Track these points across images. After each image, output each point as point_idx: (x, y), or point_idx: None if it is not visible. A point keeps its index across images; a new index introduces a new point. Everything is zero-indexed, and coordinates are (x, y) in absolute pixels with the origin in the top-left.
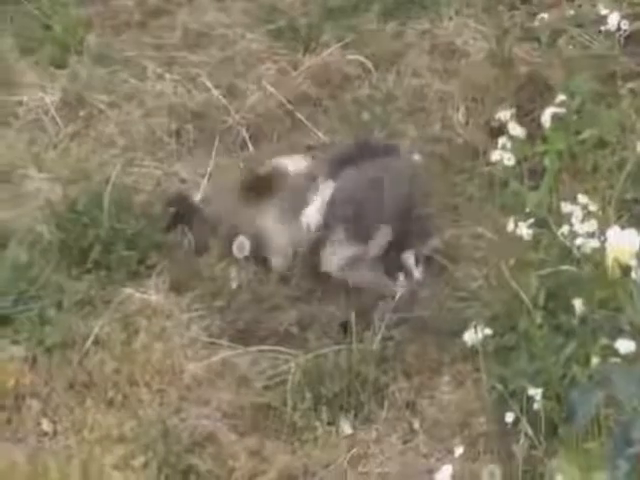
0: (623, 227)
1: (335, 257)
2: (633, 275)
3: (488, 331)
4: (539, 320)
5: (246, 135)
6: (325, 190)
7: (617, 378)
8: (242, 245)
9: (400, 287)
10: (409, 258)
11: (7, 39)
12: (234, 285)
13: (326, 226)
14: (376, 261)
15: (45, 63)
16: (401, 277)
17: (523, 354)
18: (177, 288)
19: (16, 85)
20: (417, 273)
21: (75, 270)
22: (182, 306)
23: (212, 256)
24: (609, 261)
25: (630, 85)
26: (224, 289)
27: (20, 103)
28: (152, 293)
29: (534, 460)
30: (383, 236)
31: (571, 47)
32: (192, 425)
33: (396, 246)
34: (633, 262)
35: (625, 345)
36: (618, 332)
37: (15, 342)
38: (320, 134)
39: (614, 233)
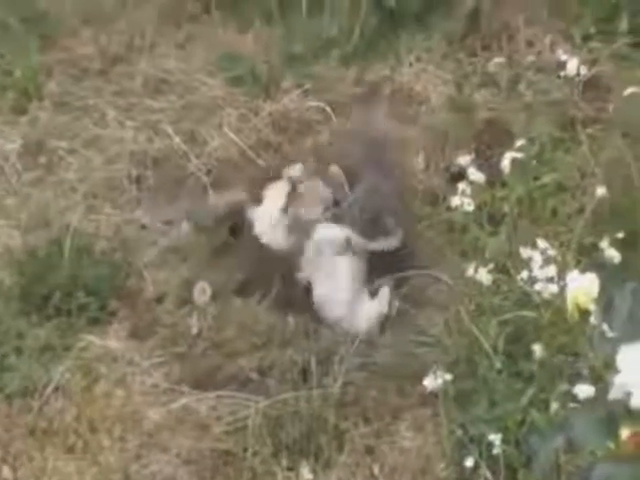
0: (582, 272)
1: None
2: (592, 320)
3: (448, 376)
4: (499, 365)
5: (207, 181)
6: None
7: (577, 423)
8: (203, 290)
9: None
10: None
11: None
12: (194, 331)
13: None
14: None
15: (5, 109)
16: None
17: (483, 399)
18: (137, 335)
19: None
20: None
21: (35, 316)
22: (142, 352)
23: (170, 302)
24: (569, 306)
25: (589, 130)
26: (184, 335)
27: None
28: (112, 340)
29: None
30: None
31: (530, 93)
32: (153, 471)
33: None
34: (592, 307)
35: (584, 390)
36: (577, 377)
37: None
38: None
39: (574, 278)
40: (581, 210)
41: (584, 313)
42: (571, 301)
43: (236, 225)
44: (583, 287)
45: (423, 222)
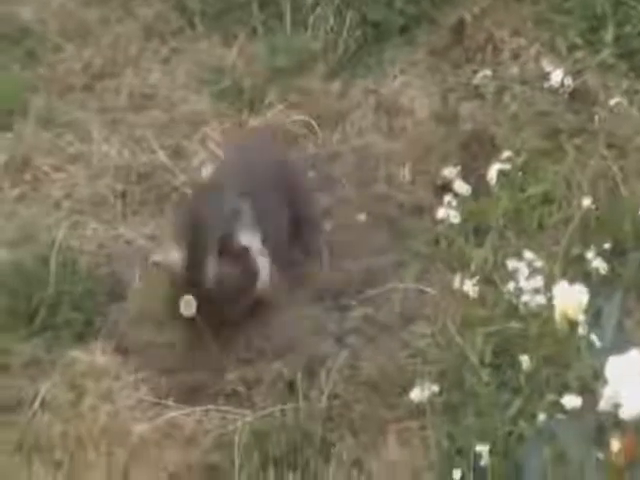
0: (570, 283)
1: None
2: (580, 331)
3: (435, 388)
4: (486, 377)
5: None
6: None
7: (565, 434)
8: (189, 303)
9: None
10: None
11: None
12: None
13: None
14: None
15: None
16: None
17: (470, 411)
18: (123, 350)
19: None
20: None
21: (21, 332)
22: (129, 367)
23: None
24: (557, 317)
25: (575, 141)
26: (170, 350)
27: None
28: (99, 355)
29: None
30: None
31: (516, 104)
32: None
33: None
34: (580, 317)
35: (572, 401)
36: (564, 388)
37: None
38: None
39: (562, 288)
40: (567, 221)
41: (573, 324)
42: (560, 312)
43: None
44: (571, 298)
45: (409, 235)
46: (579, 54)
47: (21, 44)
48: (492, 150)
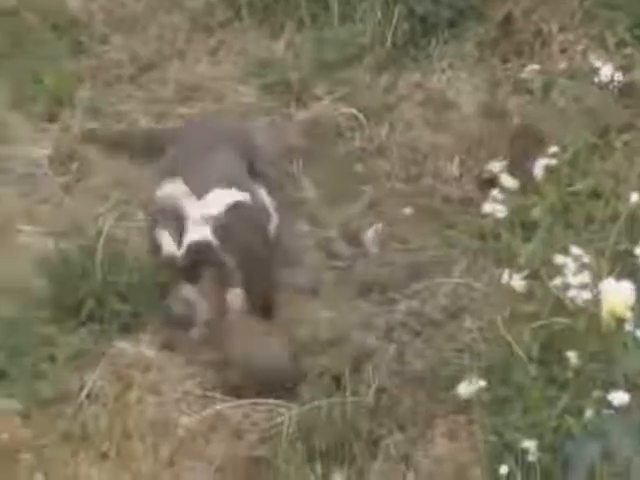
0: (617, 279)
1: None
2: (627, 327)
3: (482, 383)
4: (533, 372)
5: None
6: None
7: (612, 430)
8: (238, 296)
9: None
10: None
11: None
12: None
13: None
14: None
15: (37, 117)
16: None
17: (517, 406)
18: (170, 342)
19: (7, 139)
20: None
21: (68, 324)
22: (175, 360)
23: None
24: (604, 314)
25: (623, 137)
26: (217, 342)
27: (11, 157)
28: (145, 346)
29: None
30: None
31: (564, 99)
32: (186, 479)
33: None
34: (628, 314)
35: (619, 397)
36: (612, 384)
37: (9, 396)
38: (311, 187)
39: (609, 285)
40: (615, 217)
41: (620, 321)
42: (607, 309)
43: None
44: (619, 295)
45: (456, 229)
46: (628, 50)
47: (68, 35)
48: (539, 145)
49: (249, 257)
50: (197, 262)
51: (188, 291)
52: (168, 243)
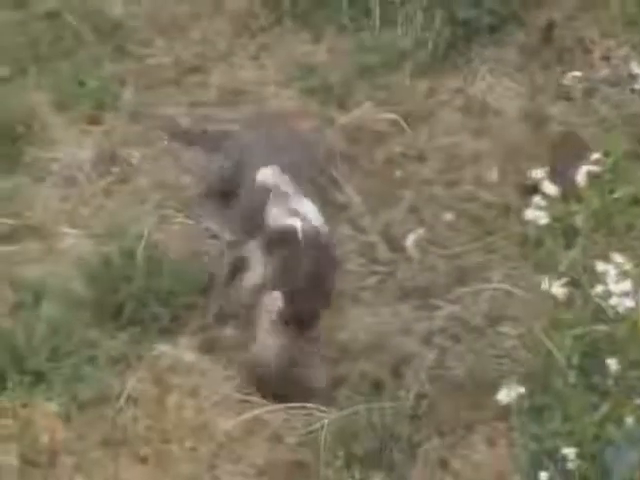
0: None
1: None
2: None
3: (522, 390)
4: (573, 379)
5: None
6: None
7: None
8: (276, 300)
9: None
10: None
11: (42, 95)
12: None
13: None
14: None
15: (80, 119)
16: None
17: (557, 413)
18: (209, 345)
19: (51, 141)
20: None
21: (108, 326)
22: (214, 363)
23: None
24: None
25: None
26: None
27: (54, 159)
28: (185, 350)
29: None
30: None
31: (605, 106)
32: None
33: None
34: None
35: None
36: None
37: (49, 398)
38: (352, 192)
39: None
40: None
41: None
42: None
43: None
44: None
45: (497, 235)
46: None
47: (111, 38)
48: (581, 152)
49: (313, 283)
50: (275, 242)
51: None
52: (277, 215)
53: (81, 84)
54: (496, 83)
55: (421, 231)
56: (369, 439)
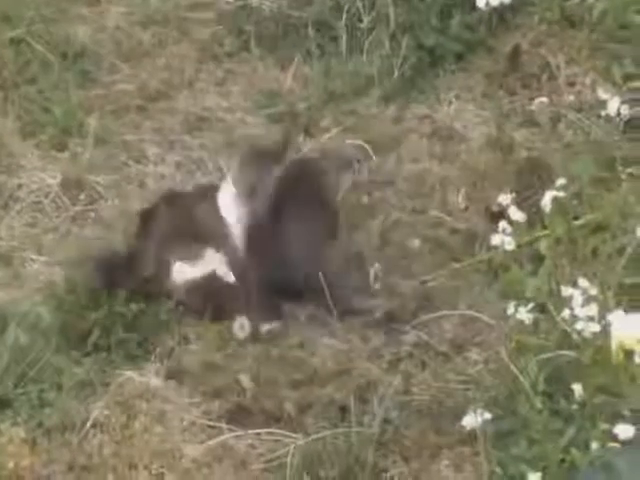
0: (625, 312)
1: None
2: (637, 360)
3: (487, 415)
4: (538, 405)
5: None
6: None
7: (618, 463)
8: (242, 326)
9: None
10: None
11: (7, 122)
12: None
13: None
14: None
15: (45, 146)
16: None
17: (522, 438)
18: (175, 372)
19: (16, 168)
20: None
21: (75, 353)
22: (181, 389)
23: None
24: (613, 346)
25: (630, 170)
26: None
27: (20, 186)
28: (151, 376)
29: None
30: None
31: (571, 132)
32: None
33: None
34: (637, 347)
35: (624, 430)
36: (617, 417)
37: (15, 424)
38: None
39: (619, 318)
40: (622, 250)
41: (628, 353)
42: (616, 342)
43: None
44: (629, 328)
45: (463, 261)
46: (634, 83)
47: (77, 64)
48: (547, 178)
49: None
50: None
51: None
52: None
53: (46, 110)
54: (462, 109)
55: (378, 266)
56: (335, 465)
